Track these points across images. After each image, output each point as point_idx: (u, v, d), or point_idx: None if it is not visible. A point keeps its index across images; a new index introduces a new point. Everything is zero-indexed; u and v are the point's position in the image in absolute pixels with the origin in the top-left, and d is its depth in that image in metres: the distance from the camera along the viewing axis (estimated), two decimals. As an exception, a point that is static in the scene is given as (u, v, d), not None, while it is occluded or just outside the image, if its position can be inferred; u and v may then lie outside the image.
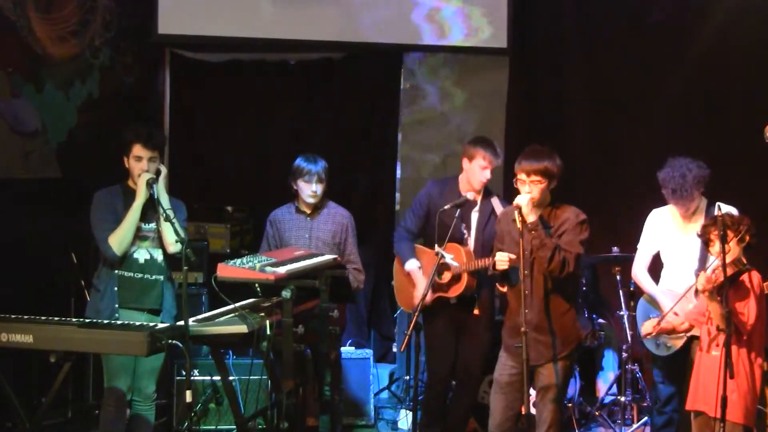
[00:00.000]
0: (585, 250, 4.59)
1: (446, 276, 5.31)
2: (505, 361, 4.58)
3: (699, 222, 5.03)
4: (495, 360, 4.75)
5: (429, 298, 5.22)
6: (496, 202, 5.45)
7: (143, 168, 4.69)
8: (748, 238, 4.46)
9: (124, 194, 4.78)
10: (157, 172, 4.72)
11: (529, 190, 4.43)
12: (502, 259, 4.51)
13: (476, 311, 5.31)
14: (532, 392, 4.81)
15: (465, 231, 5.40)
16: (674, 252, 5.22)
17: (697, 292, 4.51)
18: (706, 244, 4.56)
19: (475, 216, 5.44)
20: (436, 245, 5.06)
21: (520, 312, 4.44)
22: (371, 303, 7.41)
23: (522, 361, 4.39)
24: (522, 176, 4.45)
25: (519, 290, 4.48)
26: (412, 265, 5.46)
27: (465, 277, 5.28)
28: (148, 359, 4.50)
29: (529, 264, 4.42)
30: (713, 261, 4.44)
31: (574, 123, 7.30)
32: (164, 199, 4.65)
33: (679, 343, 5.08)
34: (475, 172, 5.34)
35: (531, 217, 4.39)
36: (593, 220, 4.59)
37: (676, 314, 4.87)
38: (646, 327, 4.88)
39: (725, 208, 4.60)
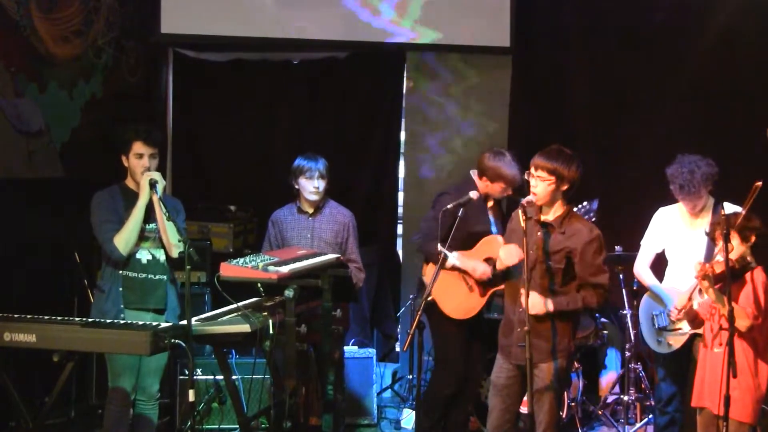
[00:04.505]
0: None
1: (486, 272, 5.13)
2: (501, 363, 4.56)
3: (706, 220, 5.05)
4: (494, 361, 4.73)
5: (483, 298, 5.21)
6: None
7: (145, 165, 4.68)
8: (753, 238, 4.46)
9: (123, 194, 4.77)
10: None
11: (534, 184, 4.43)
12: (511, 254, 4.42)
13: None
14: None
15: (486, 226, 5.39)
16: (680, 250, 5.22)
17: (701, 291, 4.52)
18: (713, 240, 4.57)
19: (489, 211, 5.43)
20: (439, 245, 5.02)
21: (513, 311, 4.47)
22: (374, 302, 7.40)
23: (514, 363, 4.43)
24: (531, 169, 4.46)
25: (515, 289, 4.46)
26: (454, 255, 5.16)
27: None
28: (153, 358, 4.49)
29: (531, 263, 4.40)
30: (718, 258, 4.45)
31: (577, 122, 7.29)
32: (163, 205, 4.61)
33: (681, 340, 5.08)
34: (496, 191, 5.35)
35: None
36: (595, 219, 4.58)
37: (675, 308, 4.90)
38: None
39: (731, 208, 4.59)
